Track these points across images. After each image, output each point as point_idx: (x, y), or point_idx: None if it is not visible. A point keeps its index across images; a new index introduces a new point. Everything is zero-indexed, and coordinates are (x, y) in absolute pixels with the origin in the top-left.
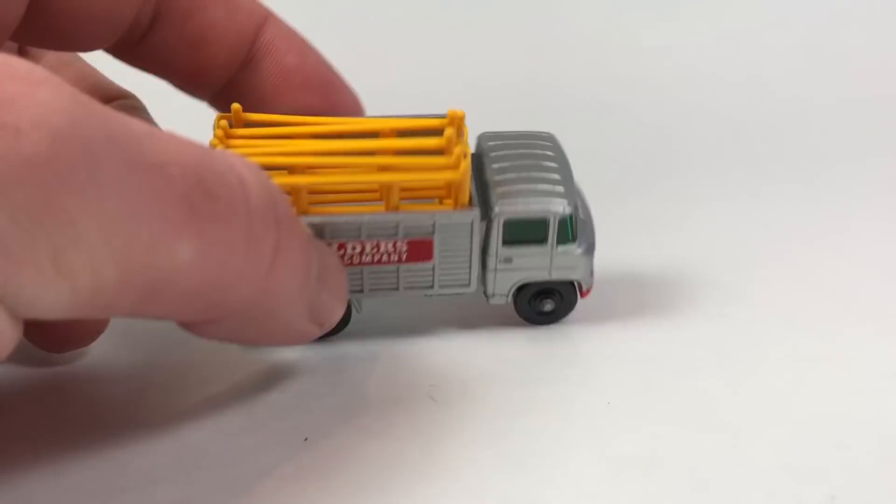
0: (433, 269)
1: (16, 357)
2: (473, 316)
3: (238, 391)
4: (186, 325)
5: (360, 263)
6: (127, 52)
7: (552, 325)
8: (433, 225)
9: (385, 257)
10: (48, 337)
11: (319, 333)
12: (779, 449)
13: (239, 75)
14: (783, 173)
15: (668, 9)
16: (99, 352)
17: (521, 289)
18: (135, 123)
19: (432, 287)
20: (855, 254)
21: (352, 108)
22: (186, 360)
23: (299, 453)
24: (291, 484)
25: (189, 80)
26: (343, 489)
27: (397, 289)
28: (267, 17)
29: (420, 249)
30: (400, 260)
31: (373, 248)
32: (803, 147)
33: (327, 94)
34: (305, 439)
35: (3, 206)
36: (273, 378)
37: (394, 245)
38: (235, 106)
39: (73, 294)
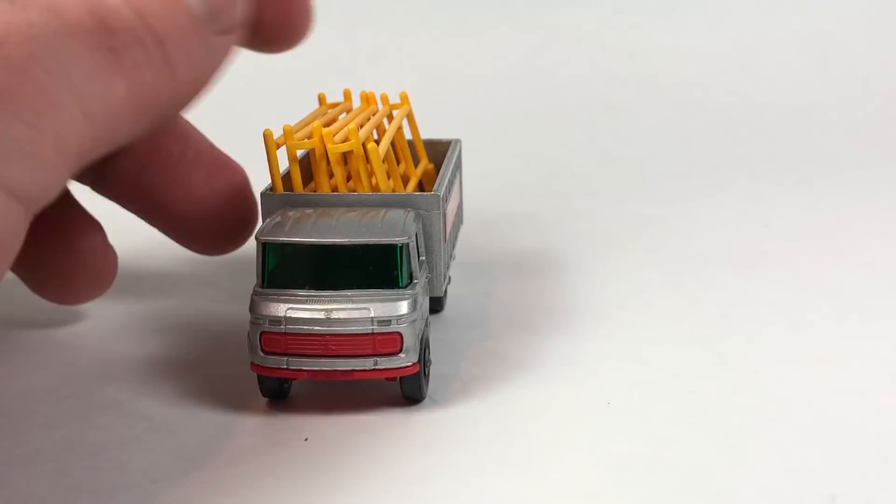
0: None
1: (16, 357)
2: (472, 316)
3: (238, 391)
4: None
5: None
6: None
7: (552, 326)
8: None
9: None
10: (49, 287)
11: (239, 41)
12: (779, 449)
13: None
14: (783, 173)
15: (668, 9)
16: (99, 351)
17: None
18: None
19: None
20: (855, 254)
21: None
22: (186, 359)
23: (299, 453)
24: (291, 484)
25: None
26: (343, 489)
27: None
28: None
29: None
30: None
31: None
32: (803, 147)
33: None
34: (305, 439)
35: None
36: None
37: None
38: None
39: (62, 155)
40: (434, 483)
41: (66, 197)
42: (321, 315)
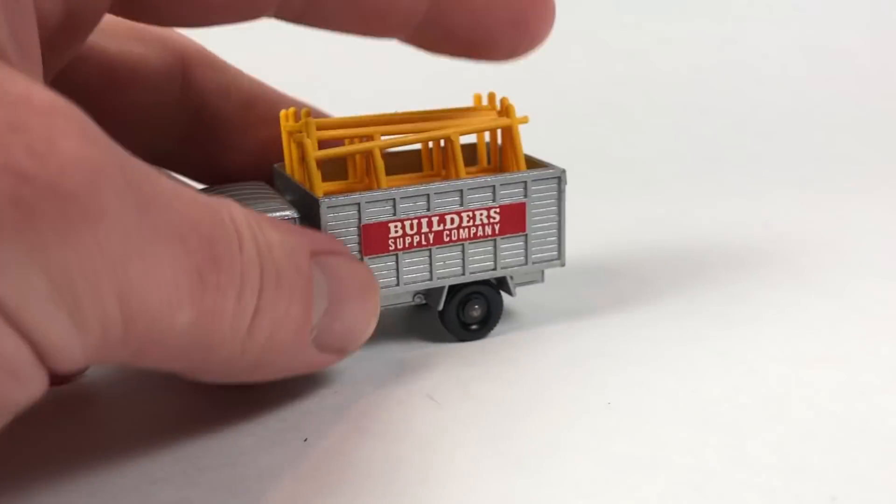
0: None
1: None
2: None
3: (238, 391)
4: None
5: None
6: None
7: (552, 325)
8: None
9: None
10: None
11: (340, 358)
12: (779, 449)
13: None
14: (783, 173)
15: (668, 9)
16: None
17: None
18: (163, 183)
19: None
20: (854, 254)
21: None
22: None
23: (299, 453)
24: (291, 484)
25: (372, 29)
26: (343, 489)
27: (495, 268)
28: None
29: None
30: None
31: (468, 219)
32: (803, 147)
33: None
34: (305, 439)
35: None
36: (273, 378)
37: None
38: (306, 110)
39: (84, 347)
40: (434, 483)
41: None
42: None
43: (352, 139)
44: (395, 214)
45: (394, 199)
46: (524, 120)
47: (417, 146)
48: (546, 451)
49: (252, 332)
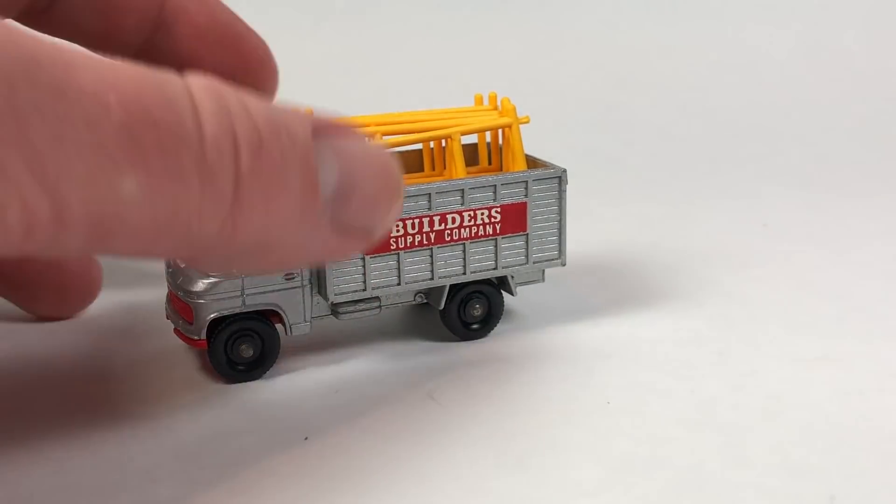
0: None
1: (16, 357)
2: None
3: (238, 391)
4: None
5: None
6: (34, 19)
7: (552, 325)
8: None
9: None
10: (39, 303)
11: (365, 244)
12: (779, 449)
13: (154, 38)
14: (782, 173)
15: (668, 9)
16: (99, 352)
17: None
18: (68, 49)
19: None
20: (854, 254)
21: (262, 57)
22: (186, 359)
23: (299, 453)
24: (291, 484)
25: (102, 44)
26: (343, 489)
27: (496, 268)
28: None
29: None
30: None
31: (470, 219)
32: (803, 147)
33: (240, 50)
34: (306, 439)
35: None
36: (272, 377)
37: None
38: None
39: (4, 229)
40: (434, 483)
41: None
42: (172, 278)
43: None
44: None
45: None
46: (525, 120)
47: (418, 146)
48: (546, 451)
49: (239, 203)
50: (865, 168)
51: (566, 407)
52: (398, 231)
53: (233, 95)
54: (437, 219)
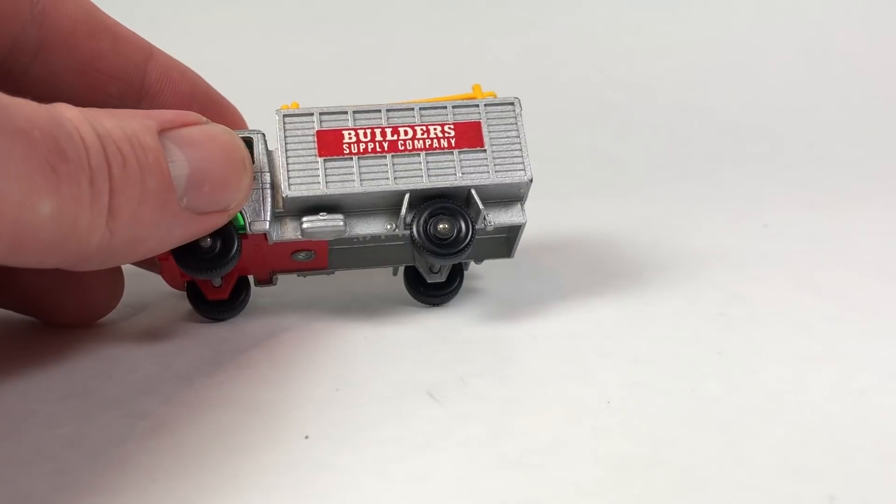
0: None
1: (17, 357)
2: (473, 316)
3: (237, 390)
4: (70, 267)
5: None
6: (13, 83)
7: (551, 325)
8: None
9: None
10: (57, 314)
11: (227, 217)
12: (778, 449)
13: (141, 107)
14: (782, 173)
15: (667, 9)
16: (100, 350)
17: None
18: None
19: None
20: (854, 254)
21: (238, 125)
22: (186, 358)
23: (300, 452)
24: (291, 483)
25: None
26: (343, 487)
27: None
28: (152, 49)
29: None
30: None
31: (423, 132)
32: (802, 148)
33: (223, 114)
34: (306, 438)
35: None
36: (272, 376)
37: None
38: (294, 105)
39: None
40: (434, 483)
41: None
42: None
43: None
44: (349, 124)
45: (347, 113)
46: (491, 94)
47: None
48: (546, 450)
49: (113, 213)
50: (865, 168)
51: (566, 407)
52: (351, 138)
53: (93, 118)
54: (388, 130)
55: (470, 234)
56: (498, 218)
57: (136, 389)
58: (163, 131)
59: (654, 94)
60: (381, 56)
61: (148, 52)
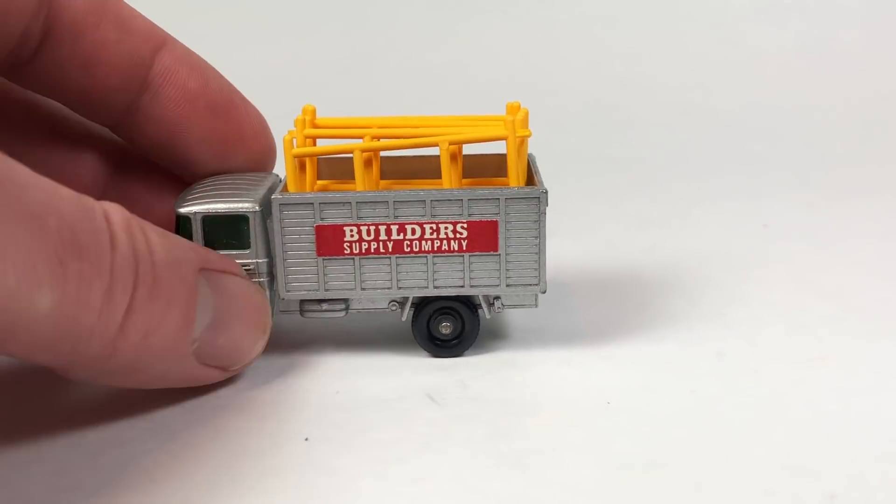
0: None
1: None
2: None
3: (238, 391)
4: (57, 370)
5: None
6: (17, 72)
7: (551, 325)
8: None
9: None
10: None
11: (223, 376)
12: (778, 449)
13: (140, 102)
14: (782, 174)
15: (667, 9)
16: None
17: None
18: (19, 169)
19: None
20: (853, 254)
21: (257, 129)
22: None
23: (300, 453)
24: (291, 484)
25: (84, 104)
26: (342, 489)
27: (463, 286)
28: (165, 41)
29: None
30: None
31: (432, 232)
32: (802, 148)
33: (232, 118)
34: (306, 440)
35: None
36: (273, 378)
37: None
38: (308, 107)
39: None
40: (434, 483)
41: None
42: None
43: (343, 139)
44: (351, 218)
45: (351, 203)
46: (525, 133)
47: (431, 151)
48: (546, 451)
49: (124, 331)
50: (865, 168)
51: (566, 407)
52: (352, 236)
53: (139, 230)
54: (395, 228)
55: (474, 330)
56: (510, 300)
57: (136, 391)
58: (203, 269)
59: (654, 94)
60: (381, 56)
61: (159, 44)
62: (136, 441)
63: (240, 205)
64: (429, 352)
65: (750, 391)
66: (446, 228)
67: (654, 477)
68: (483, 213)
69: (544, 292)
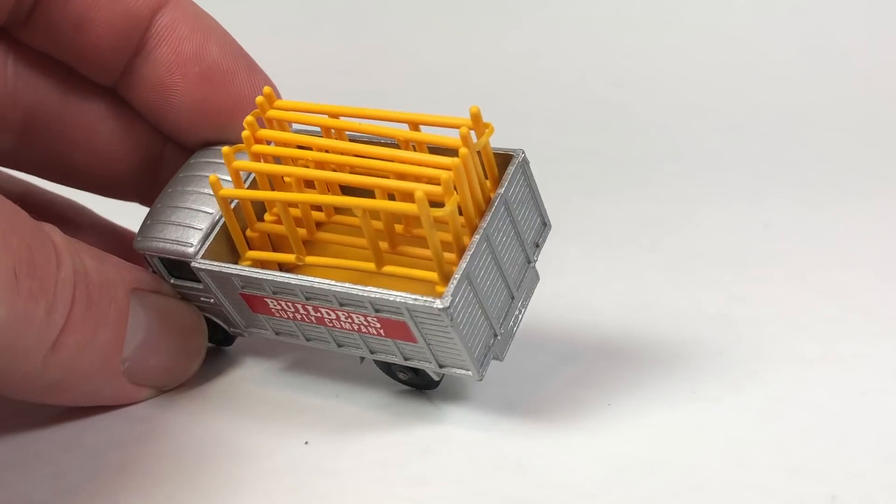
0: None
1: None
2: None
3: (238, 392)
4: None
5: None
6: (16, 32)
7: (551, 326)
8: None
9: (363, 328)
10: None
11: (155, 394)
12: (779, 449)
13: (135, 62)
14: (783, 173)
15: (668, 9)
16: None
17: None
18: None
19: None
20: (854, 254)
21: (248, 97)
22: None
23: (299, 455)
24: (291, 485)
25: (81, 64)
26: (343, 490)
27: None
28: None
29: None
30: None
31: (346, 318)
32: (803, 147)
33: (228, 86)
34: (306, 443)
35: None
36: (272, 379)
37: (366, 319)
38: (267, 90)
39: None
40: (434, 484)
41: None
42: None
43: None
44: (269, 293)
45: (261, 281)
46: (482, 145)
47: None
48: (546, 452)
49: (56, 349)
50: (865, 168)
51: (566, 407)
52: (276, 306)
53: (79, 257)
54: (310, 308)
55: (440, 376)
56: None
57: None
58: (136, 289)
59: (655, 94)
60: (381, 55)
61: (161, 2)
62: (136, 443)
63: (183, 248)
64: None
65: (750, 391)
66: (359, 318)
67: (654, 477)
68: (390, 313)
69: (480, 380)
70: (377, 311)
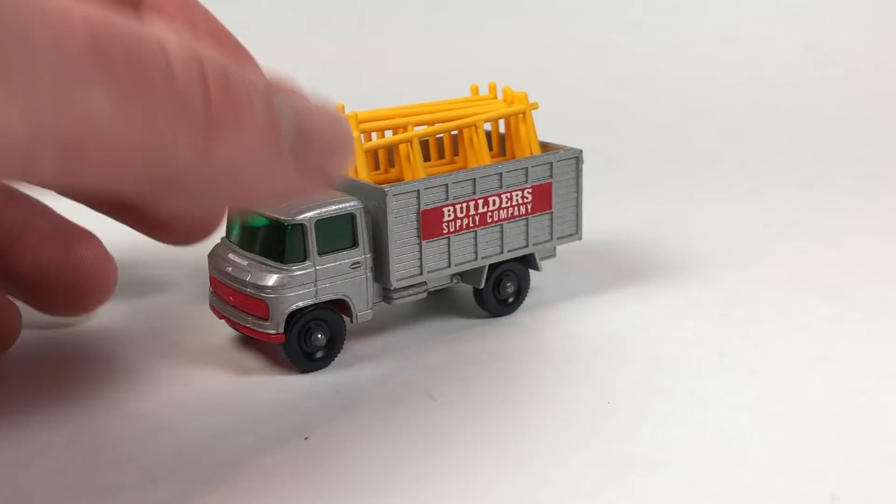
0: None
1: (17, 357)
2: (473, 315)
3: (238, 391)
4: (145, 198)
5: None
6: None
7: (552, 325)
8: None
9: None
10: (55, 303)
11: (323, 182)
12: (779, 449)
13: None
14: (783, 173)
15: (668, 9)
16: (100, 351)
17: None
18: None
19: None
20: (854, 254)
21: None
22: (187, 360)
23: (299, 453)
24: (291, 484)
25: None
26: (342, 489)
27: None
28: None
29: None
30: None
31: (507, 200)
32: (803, 147)
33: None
34: (306, 439)
35: None
36: (273, 377)
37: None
38: (350, 113)
39: None
40: (434, 483)
41: (56, 216)
42: (227, 268)
43: (387, 131)
44: (447, 199)
45: (447, 185)
46: (535, 105)
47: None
48: (546, 451)
49: (211, 133)
50: (865, 168)
51: (566, 407)
52: (449, 216)
53: (197, 45)
54: (480, 202)
55: (527, 287)
56: (542, 254)
57: (136, 390)
58: (272, 89)
59: (655, 94)
60: (380, 55)
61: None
62: (136, 440)
63: (346, 204)
64: (493, 312)
65: (750, 391)
66: (517, 195)
67: (654, 477)
68: (540, 177)
69: (581, 239)
70: (531, 176)
